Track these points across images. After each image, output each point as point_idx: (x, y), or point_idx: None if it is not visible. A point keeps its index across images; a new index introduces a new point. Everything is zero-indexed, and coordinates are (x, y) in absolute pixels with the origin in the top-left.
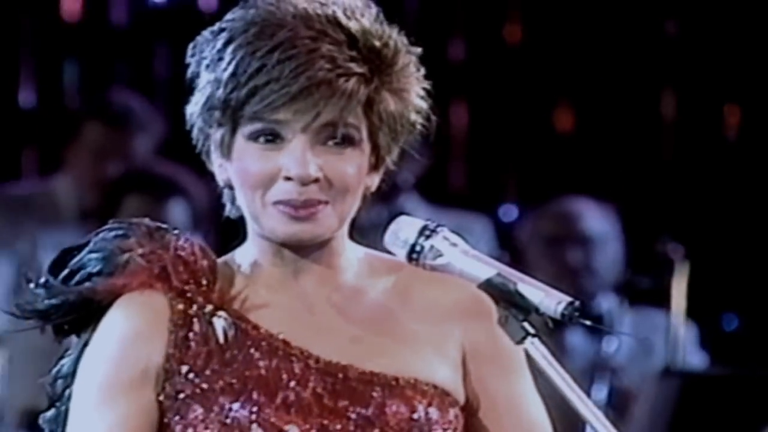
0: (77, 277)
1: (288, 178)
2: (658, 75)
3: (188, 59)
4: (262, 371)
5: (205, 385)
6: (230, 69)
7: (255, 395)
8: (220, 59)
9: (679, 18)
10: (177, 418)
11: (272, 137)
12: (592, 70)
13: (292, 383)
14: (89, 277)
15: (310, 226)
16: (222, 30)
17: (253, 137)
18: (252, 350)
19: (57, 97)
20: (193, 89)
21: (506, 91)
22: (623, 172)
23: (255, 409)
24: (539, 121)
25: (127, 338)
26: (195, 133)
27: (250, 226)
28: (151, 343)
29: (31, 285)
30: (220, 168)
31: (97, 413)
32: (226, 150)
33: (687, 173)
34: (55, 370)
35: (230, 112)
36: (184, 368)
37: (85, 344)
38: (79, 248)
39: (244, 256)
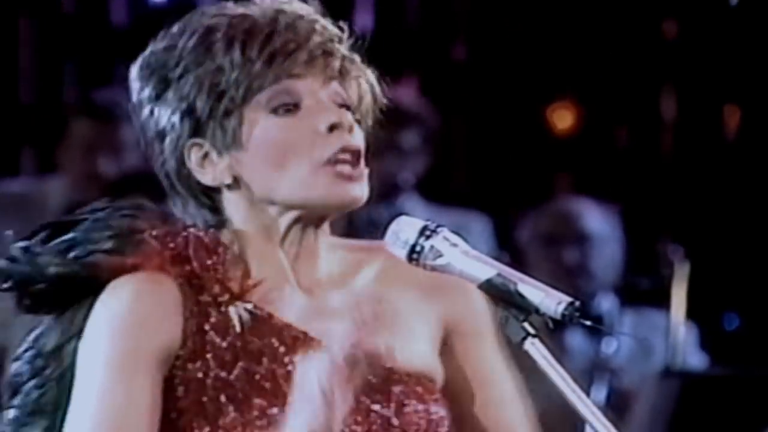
0: (76, 251)
1: (333, 128)
2: (658, 75)
3: (137, 83)
4: (289, 367)
5: (231, 378)
6: (236, 48)
7: (285, 393)
8: (208, 51)
9: (679, 18)
10: (205, 413)
11: (292, 106)
12: (593, 70)
13: (316, 379)
14: (91, 253)
15: (360, 188)
16: (173, 46)
17: (273, 109)
18: (274, 342)
19: (57, 98)
20: (152, 108)
21: (506, 92)
22: (623, 173)
23: (285, 408)
24: (539, 121)
25: (148, 315)
26: (169, 147)
27: (255, 212)
28: (169, 324)
29: (17, 245)
30: (227, 167)
31: (120, 386)
32: (237, 139)
33: (687, 174)
34: (31, 348)
35: (244, 89)
36: (202, 359)
37: (74, 322)
38: (71, 224)
39: (246, 244)
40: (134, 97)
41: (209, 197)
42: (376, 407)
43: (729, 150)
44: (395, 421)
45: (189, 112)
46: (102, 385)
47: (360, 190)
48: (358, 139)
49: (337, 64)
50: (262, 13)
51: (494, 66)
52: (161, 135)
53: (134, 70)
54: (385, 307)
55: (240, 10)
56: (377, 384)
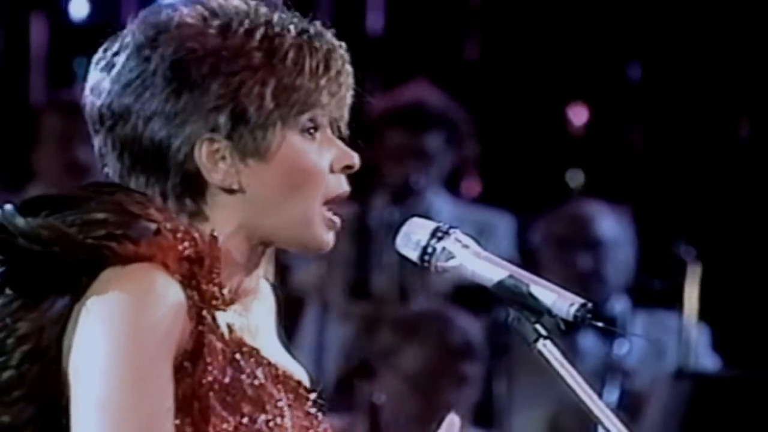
0: (85, 232)
1: (347, 168)
2: (671, 75)
3: (173, 55)
4: (264, 382)
5: (226, 381)
6: (305, 70)
7: (264, 403)
8: (272, 58)
9: (693, 20)
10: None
11: (314, 128)
12: (605, 70)
13: (277, 394)
14: (104, 236)
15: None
16: (229, 35)
17: (301, 129)
18: (248, 359)
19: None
20: (181, 89)
21: (518, 92)
22: (636, 174)
23: (272, 424)
24: (552, 121)
25: (171, 307)
26: (187, 132)
27: (240, 222)
28: (184, 319)
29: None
30: (237, 172)
31: (153, 378)
32: (269, 151)
33: (700, 175)
34: (5, 329)
35: (297, 110)
36: (201, 359)
37: (71, 308)
38: (66, 200)
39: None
40: (152, 66)
41: (199, 190)
42: (309, 426)
43: (741, 152)
44: None
45: (236, 112)
46: (136, 375)
47: (333, 239)
48: None
49: (345, 109)
50: (313, 34)
51: (506, 65)
52: (181, 117)
53: (168, 42)
54: (271, 330)
55: (286, 17)
56: (304, 402)
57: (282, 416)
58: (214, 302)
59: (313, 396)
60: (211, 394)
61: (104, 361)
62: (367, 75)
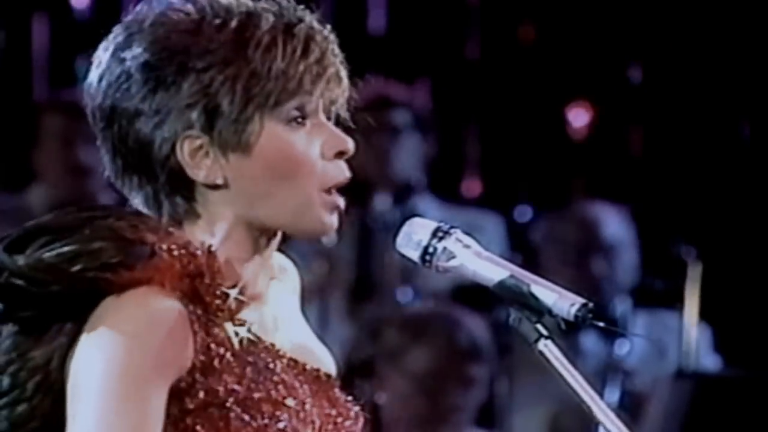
0: (81, 264)
1: (340, 153)
2: (671, 77)
3: (143, 57)
4: (284, 377)
5: (241, 388)
6: (276, 58)
7: (290, 403)
8: (242, 50)
9: (695, 19)
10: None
11: (302, 117)
12: (606, 71)
13: (299, 387)
14: (99, 266)
15: (337, 218)
16: (196, 31)
17: (287, 120)
18: (264, 357)
19: (70, 94)
20: (155, 89)
21: (520, 91)
22: (637, 175)
23: (295, 420)
24: (553, 121)
25: (168, 332)
26: (167, 133)
27: (235, 216)
28: (184, 340)
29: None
30: (221, 167)
31: (139, 403)
32: (250, 144)
33: (700, 175)
34: (15, 361)
35: (274, 99)
36: (213, 372)
37: (73, 337)
38: (60, 229)
39: (221, 246)
40: (127, 66)
41: (187, 188)
42: (340, 419)
43: (742, 152)
44: (353, 424)
45: (209, 108)
46: (121, 402)
47: (337, 221)
48: None
49: (339, 91)
50: (293, 20)
51: (507, 65)
52: (159, 116)
53: (140, 42)
54: (295, 313)
55: (270, 6)
56: (333, 395)
57: (304, 409)
58: (219, 314)
59: (336, 380)
60: (229, 402)
61: (94, 386)
62: (369, 74)
